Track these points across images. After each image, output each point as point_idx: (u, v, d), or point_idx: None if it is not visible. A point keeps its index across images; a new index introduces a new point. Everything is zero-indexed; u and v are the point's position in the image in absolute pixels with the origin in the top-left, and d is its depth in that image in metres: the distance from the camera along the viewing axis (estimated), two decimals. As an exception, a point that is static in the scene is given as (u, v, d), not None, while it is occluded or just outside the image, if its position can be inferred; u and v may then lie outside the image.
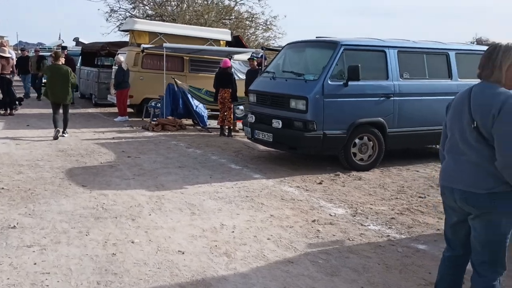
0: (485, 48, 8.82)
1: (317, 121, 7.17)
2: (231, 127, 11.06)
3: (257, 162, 8.17)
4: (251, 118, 8.17)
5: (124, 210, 5.46)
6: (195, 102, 12.26)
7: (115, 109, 15.36)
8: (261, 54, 11.69)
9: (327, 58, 7.38)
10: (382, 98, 7.61)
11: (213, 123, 12.75)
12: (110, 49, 16.31)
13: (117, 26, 22.47)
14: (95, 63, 17.99)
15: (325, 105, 7.19)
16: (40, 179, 6.68)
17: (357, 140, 7.55)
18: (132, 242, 4.47)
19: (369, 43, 7.76)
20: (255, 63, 11.64)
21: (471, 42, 20.11)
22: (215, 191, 6.35)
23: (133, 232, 4.76)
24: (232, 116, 11.06)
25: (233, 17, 21.83)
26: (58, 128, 9.93)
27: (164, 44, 11.92)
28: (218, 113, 13.56)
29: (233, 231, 4.87)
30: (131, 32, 14.28)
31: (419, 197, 6.30)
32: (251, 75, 11.36)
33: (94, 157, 8.30)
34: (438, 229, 5.07)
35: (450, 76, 8.28)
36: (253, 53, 13.73)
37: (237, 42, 15.28)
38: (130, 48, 13.88)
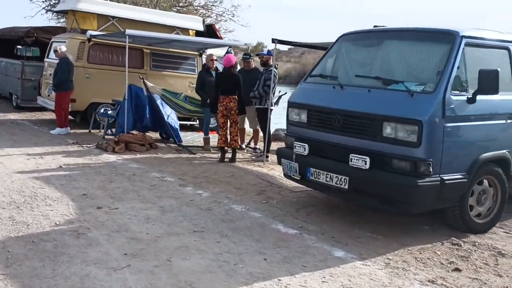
0: None
1: (434, 159, 4.38)
2: (236, 149, 7.97)
3: (311, 217, 5.20)
4: (302, 148, 5.19)
5: None
6: (166, 111, 9.06)
7: (47, 116, 11.79)
8: (266, 50, 8.67)
9: (439, 58, 4.62)
10: (509, 121, 5.00)
11: (186, 137, 9.64)
12: (38, 36, 12.51)
13: (43, 8, 18.29)
14: (15, 53, 13.94)
15: (445, 133, 4.43)
16: None
17: (475, 187, 4.88)
18: None
19: (491, 36, 5.10)
20: (252, 63, 8.75)
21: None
22: (303, 302, 3.38)
23: None
24: (238, 134, 7.93)
25: (186, 3, 18.38)
26: None
27: (127, 31, 8.53)
28: (186, 122, 10.72)
29: None
30: (72, 13, 10.62)
31: None
32: (246, 76, 8.43)
33: (40, 210, 4.99)
34: None
35: None
36: (229, 47, 10.92)
37: (209, 32, 12.13)
38: (72, 35, 10.26)
